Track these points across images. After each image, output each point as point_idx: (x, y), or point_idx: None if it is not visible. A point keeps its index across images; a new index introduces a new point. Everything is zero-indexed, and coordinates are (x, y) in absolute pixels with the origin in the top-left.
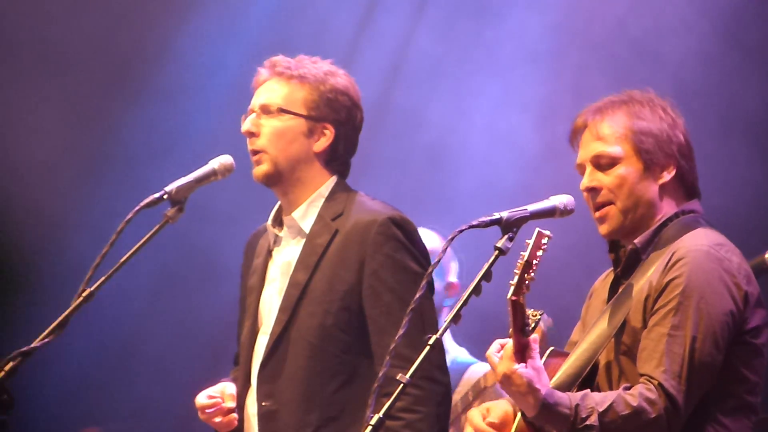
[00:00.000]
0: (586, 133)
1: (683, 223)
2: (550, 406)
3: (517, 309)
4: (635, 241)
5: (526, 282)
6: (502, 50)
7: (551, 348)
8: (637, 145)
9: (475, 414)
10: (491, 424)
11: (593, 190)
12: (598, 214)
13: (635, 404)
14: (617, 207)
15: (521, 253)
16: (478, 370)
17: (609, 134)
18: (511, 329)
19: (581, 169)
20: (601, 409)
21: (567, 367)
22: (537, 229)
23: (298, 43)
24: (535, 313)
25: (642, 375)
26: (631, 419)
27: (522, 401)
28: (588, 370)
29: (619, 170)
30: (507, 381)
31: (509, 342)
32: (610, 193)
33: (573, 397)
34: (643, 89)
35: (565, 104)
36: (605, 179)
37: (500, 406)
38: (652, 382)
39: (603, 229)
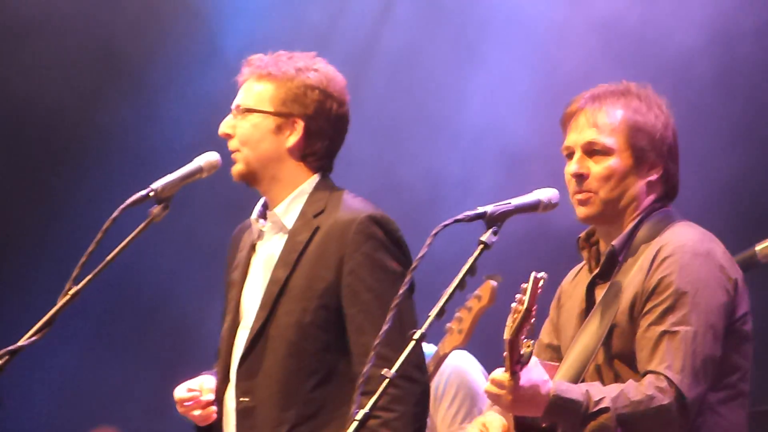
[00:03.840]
0: (580, 118)
1: (658, 220)
2: (561, 396)
3: (514, 347)
4: (613, 242)
5: (527, 327)
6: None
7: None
8: (630, 140)
9: (473, 429)
10: None
11: (580, 177)
12: (579, 196)
13: (647, 391)
14: (599, 197)
15: (518, 296)
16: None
17: (605, 124)
18: (507, 364)
19: (568, 151)
20: (613, 395)
21: (561, 376)
22: (533, 274)
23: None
24: (528, 343)
25: (647, 373)
26: (643, 404)
27: (527, 404)
28: (582, 378)
29: (610, 162)
30: (507, 388)
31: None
32: (595, 182)
33: (581, 385)
34: (641, 83)
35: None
36: (594, 168)
37: (497, 422)
38: (659, 375)
39: (582, 211)
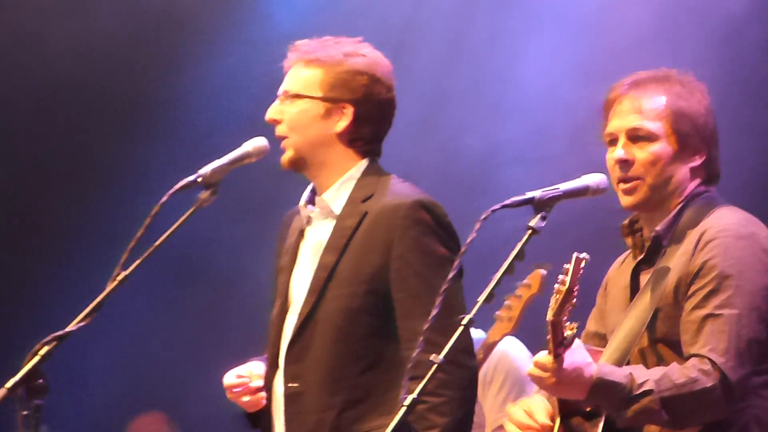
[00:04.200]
0: (624, 104)
1: (702, 204)
2: (604, 379)
3: (557, 328)
4: (657, 228)
5: (567, 307)
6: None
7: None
8: (675, 125)
9: (516, 411)
10: (532, 428)
11: (625, 163)
12: (624, 186)
13: (691, 374)
14: (646, 182)
15: (561, 277)
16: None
17: (649, 109)
18: (550, 346)
19: (610, 137)
20: (656, 378)
21: (605, 359)
22: (575, 254)
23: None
24: (572, 326)
25: (691, 355)
26: (687, 386)
27: (571, 386)
28: (626, 362)
29: (654, 147)
30: (551, 370)
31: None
32: (641, 168)
33: (624, 368)
34: (680, 70)
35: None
36: (639, 154)
37: (541, 406)
38: (703, 358)
39: (627, 200)
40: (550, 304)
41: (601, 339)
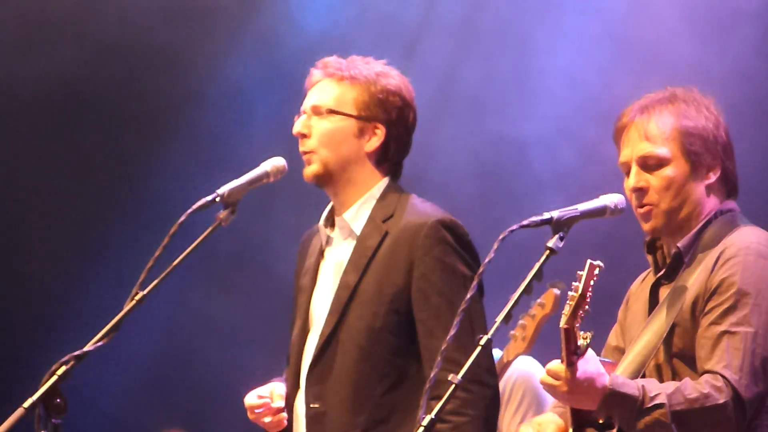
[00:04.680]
0: (632, 131)
1: (724, 223)
2: (616, 390)
3: (570, 336)
4: (678, 244)
5: (580, 314)
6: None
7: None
8: (684, 146)
9: (527, 429)
10: None
11: (640, 191)
12: (641, 210)
13: (704, 390)
14: (661, 208)
15: (574, 284)
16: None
17: (656, 134)
18: (563, 354)
19: (625, 167)
20: (669, 392)
21: (621, 371)
22: (589, 261)
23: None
24: (586, 335)
25: (705, 372)
26: (699, 402)
27: (583, 395)
28: (641, 375)
29: (667, 172)
30: (563, 378)
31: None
32: (656, 194)
33: (637, 381)
34: (686, 87)
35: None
36: (653, 180)
37: (552, 424)
38: (716, 375)
39: (647, 226)
40: (563, 311)
41: (621, 353)
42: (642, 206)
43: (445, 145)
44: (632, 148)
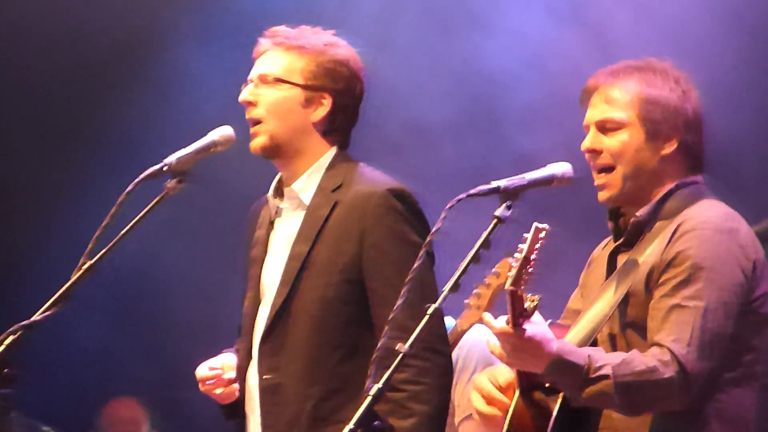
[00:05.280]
0: (596, 95)
1: (687, 195)
2: (563, 357)
3: (515, 299)
4: (637, 213)
5: (525, 277)
6: None
7: (549, 320)
8: (642, 113)
9: (481, 378)
10: (498, 387)
11: (593, 152)
12: (597, 181)
13: (650, 363)
14: (618, 172)
15: (520, 246)
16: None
17: (618, 99)
18: (509, 316)
19: (586, 129)
20: (615, 363)
21: (570, 338)
22: (534, 224)
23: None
24: (533, 298)
25: (653, 344)
26: (644, 375)
27: (529, 358)
28: (592, 341)
29: (622, 136)
30: (510, 339)
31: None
32: (610, 157)
33: (585, 349)
34: (661, 58)
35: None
36: (607, 142)
37: (506, 372)
38: (664, 348)
39: (602, 195)
40: (509, 273)
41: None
42: (599, 171)
43: None
44: (593, 111)
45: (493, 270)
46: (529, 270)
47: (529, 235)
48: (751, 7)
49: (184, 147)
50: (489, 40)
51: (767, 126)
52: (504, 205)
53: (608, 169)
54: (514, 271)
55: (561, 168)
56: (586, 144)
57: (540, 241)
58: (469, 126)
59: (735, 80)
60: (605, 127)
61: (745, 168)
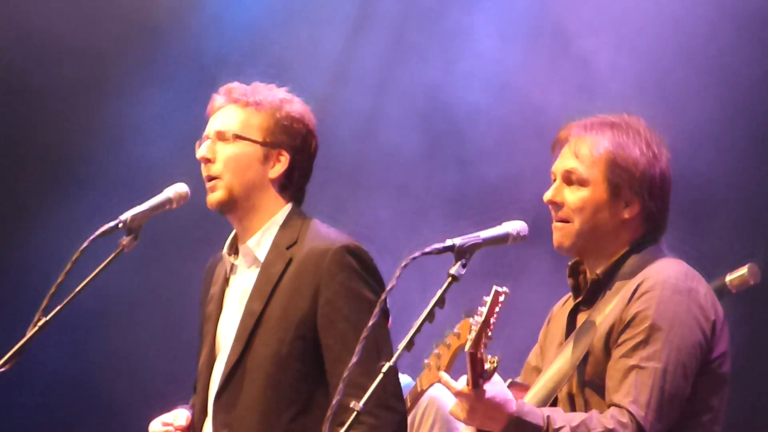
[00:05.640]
0: (567, 146)
1: (646, 254)
2: (521, 418)
3: (475, 361)
4: (597, 271)
5: (484, 340)
6: None
7: (510, 380)
8: (608, 173)
9: None
10: None
11: (554, 204)
12: (555, 230)
13: (608, 424)
14: (574, 227)
15: (480, 309)
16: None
17: (586, 155)
18: (469, 377)
19: (554, 177)
20: (573, 424)
21: (530, 398)
22: (494, 288)
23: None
24: (493, 359)
25: (612, 404)
26: None
27: (488, 419)
28: (551, 401)
29: (584, 192)
30: (470, 399)
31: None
32: (570, 211)
33: (543, 410)
34: (635, 116)
35: None
36: (569, 197)
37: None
38: (623, 409)
39: (555, 241)
40: (469, 336)
41: (539, 373)
42: (558, 221)
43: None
44: (562, 161)
45: (454, 330)
46: (489, 333)
47: (488, 299)
48: (731, 46)
49: (139, 203)
50: (454, 70)
51: (744, 168)
52: (458, 263)
53: (566, 221)
54: (473, 334)
55: (516, 226)
56: (548, 195)
57: (499, 304)
58: (434, 157)
59: (713, 120)
60: (570, 179)
61: (720, 212)
